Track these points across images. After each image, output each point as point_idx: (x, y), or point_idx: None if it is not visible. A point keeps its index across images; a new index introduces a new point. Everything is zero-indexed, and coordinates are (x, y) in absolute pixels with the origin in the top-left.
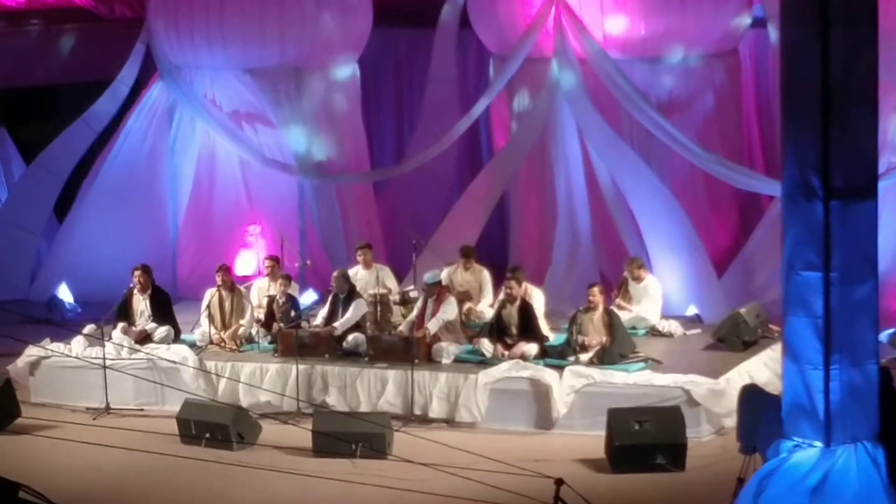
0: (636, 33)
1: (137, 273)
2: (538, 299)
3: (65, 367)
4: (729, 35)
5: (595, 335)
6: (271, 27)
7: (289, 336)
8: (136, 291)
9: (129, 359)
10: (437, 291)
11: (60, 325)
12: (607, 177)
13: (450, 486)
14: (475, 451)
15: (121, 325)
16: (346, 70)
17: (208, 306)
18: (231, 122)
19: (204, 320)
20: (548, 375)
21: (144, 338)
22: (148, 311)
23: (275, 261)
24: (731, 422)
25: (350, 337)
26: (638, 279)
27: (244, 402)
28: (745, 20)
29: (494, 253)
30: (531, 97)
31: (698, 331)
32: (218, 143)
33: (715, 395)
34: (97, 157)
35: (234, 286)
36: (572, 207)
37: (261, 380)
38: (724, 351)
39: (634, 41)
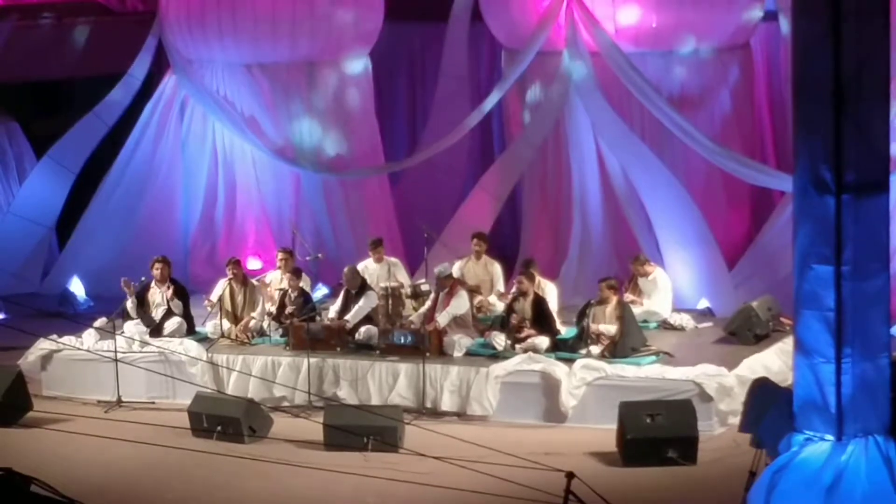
0: (648, 26)
1: (158, 264)
2: (552, 293)
3: (76, 360)
4: (741, 28)
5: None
6: (283, 21)
7: (300, 329)
8: (153, 283)
9: (141, 352)
10: (448, 285)
11: (73, 318)
12: (619, 170)
13: (461, 480)
14: (486, 445)
15: (130, 302)
16: (358, 64)
17: (220, 299)
18: (242, 116)
19: (211, 302)
20: (559, 369)
21: (155, 328)
22: (164, 304)
23: (288, 254)
24: (735, 418)
25: (362, 329)
26: (645, 275)
27: (255, 395)
28: (757, 13)
29: (506, 246)
30: (543, 91)
31: (710, 324)
32: (230, 138)
33: (726, 387)
34: (109, 151)
35: (245, 279)
36: (585, 201)
37: (272, 373)
38: (736, 344)
39: (646, 34)
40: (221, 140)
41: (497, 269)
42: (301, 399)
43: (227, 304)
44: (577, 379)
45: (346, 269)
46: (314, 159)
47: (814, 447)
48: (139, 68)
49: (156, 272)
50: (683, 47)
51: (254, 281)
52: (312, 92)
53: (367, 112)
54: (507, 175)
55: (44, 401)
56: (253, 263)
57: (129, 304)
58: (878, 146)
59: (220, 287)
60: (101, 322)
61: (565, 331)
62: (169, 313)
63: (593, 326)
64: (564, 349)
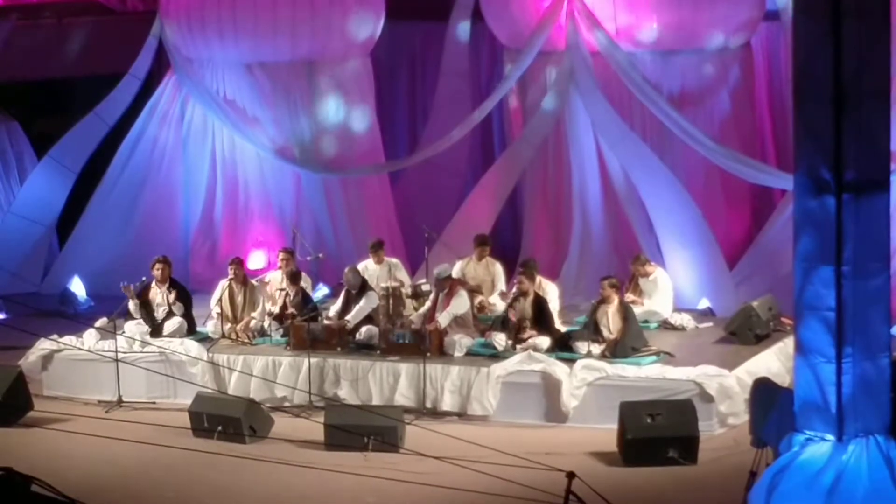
0: (648, 26)
1: (159, 264)
2: (552, 293)
3: (77, 360)
4: (742, 28)
5: (609, 329)
6: (283, 21)
7: (301, 329)
8: (154, 283)
9: (141, 352)
10: (447, 285)
11: (73, 318)
12: (619, 170)
13: (462, 480)
14: (487, 445)
15: (133, 304)
16: (358, 63)
17: (220, 299)
18: (243, 115)
19: (215, 312)
20: (559, 369)
21: (156, 328)
22: (165, 304)
23: (289, 254)
24: (735, 419)
25: (363, 329)
26: (645, 275)
27: (256, 395)
28: (758, 13)
29: (507, 246)
30: (544, 90)
31: (710, 324)
32: (231, 137)
33: (727, 387)
34: (110, 151)
35: (246, 279)
36: (586, 201)
37: (273, 373)
38: (737, 344)
39: (646, 34)
40: (222, 139)
41: (498, 269)
42: (302, 399)
43: (227, 305)
44: (577, 379)
45: (346, 270)
46: (315, 159)
47: (814, 447)
48: (140, 68)
49: (157, 272)
50: (684, 47)
51: (254, 281)
52: (313, 91)
53: (368, 111)
54: (507, 175)
55: (44, 401)
56: (256, 259)
57: (132, 305)
58: (878, 146)
59: (220, 289)
60: (101, 322)
61: (565, 331)
62: (170, 313)
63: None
64: (577, 337)
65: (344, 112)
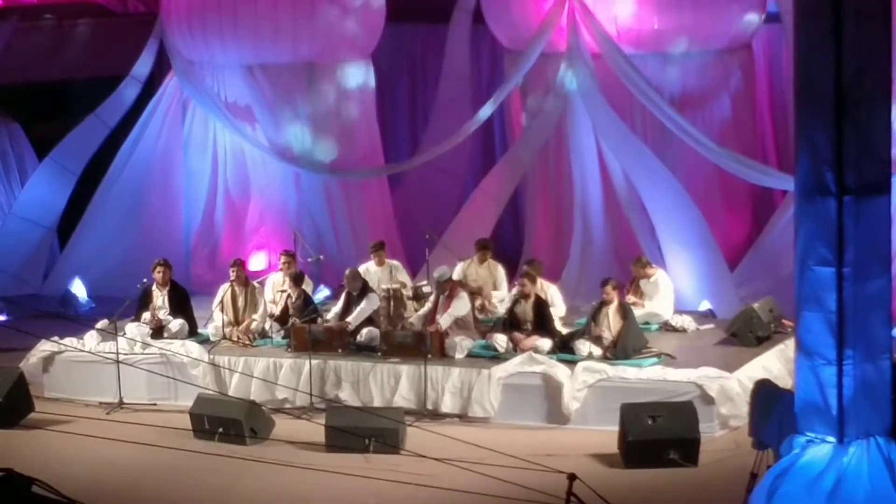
0: (649, 28)
1: (160, 267)
2: (556, 295)
3: (78, 361)
4: (742, 30)
5: (609, 330)
6: (284, 23)
7: (302, 331)
8: (155, 286)
9: (142, 354)
10: (447, 288)
11: (74, 320)
12: (620, 173)
13: (462, 481)
14: (488, 446)
15: (144, 314)
16: (359, 66)
17: (221, 301)
18: (243, 117)
19: (217, 315)
20: (560, 371)
21: (158, 330)
22: (166, 307)
23: (290, 257)
24: (736, 421)
25: (364, 331)
26: (646, 277)
27: (257, 396)
28: (759, 15)
29: (507, 248)
30: (545, 93)
31: (711, 326)
32: (232, 139)
33: (727, 389)
34: (111, 153)
35: (247, 281)
36: (587, 203)
37: (274, 375)
38: (737, 346)
39: (648, 36)
40: (223, 141)
41: (500, 270)
42: (303, 401)
43: (229, 307)
44: (578, 381)
45: (347, 272)
46: (315, 161)
47: (815, 449)
48: (141, 70)
49: (157, 275)
50: (685, 49)
51: (255, 283)
52: (313, 94)
53: (369, 114)
54: (508, 177)
55: (45, 402)
56: (257, 262)
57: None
58: (879, 148)
59: (222, 291)
60: (102, 324)
61: (565, 332)
62: (171, 314)
63: (596, 330)
64: (577, 336)
65: (344, 114)
